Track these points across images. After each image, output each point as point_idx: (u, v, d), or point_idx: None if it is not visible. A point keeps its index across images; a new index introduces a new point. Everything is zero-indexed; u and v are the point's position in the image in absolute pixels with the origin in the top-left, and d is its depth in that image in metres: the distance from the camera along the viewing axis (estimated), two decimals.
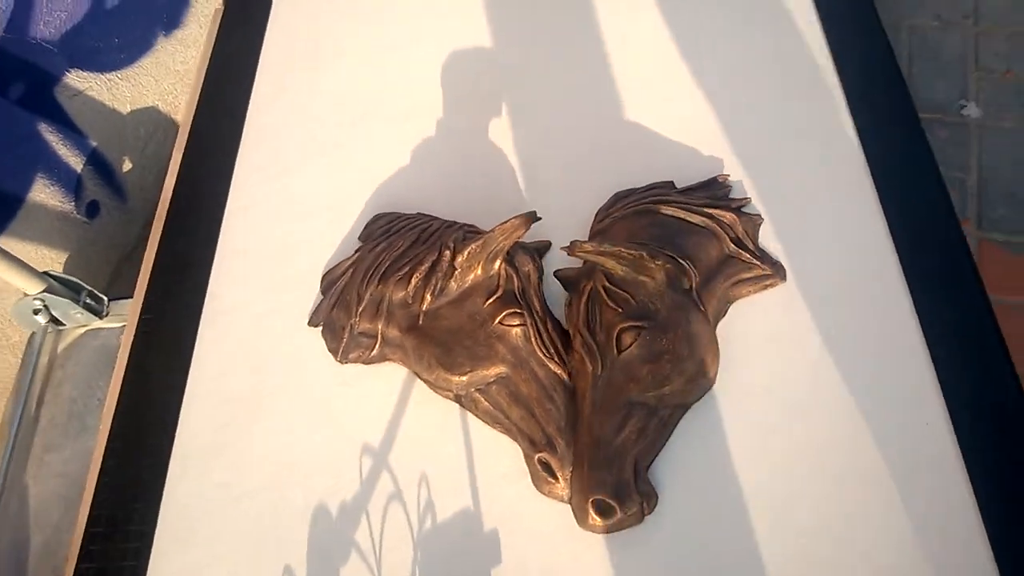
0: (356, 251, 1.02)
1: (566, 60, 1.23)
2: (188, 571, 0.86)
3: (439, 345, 0.89)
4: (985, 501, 0.80)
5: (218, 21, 1.38)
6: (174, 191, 1.17)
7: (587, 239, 1.00)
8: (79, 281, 1.18)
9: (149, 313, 1.05)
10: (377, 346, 0.94)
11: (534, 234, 0.93)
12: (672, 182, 1.05)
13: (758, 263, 0.96)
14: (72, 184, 1.37)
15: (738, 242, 0.96)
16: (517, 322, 0.88)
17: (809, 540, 0.80)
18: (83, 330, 1.21)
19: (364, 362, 0.95)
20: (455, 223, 0.99)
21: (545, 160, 1.12)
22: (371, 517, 0.86)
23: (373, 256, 0.98)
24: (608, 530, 0.81)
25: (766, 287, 0.96)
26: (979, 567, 0.78)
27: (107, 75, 1.43)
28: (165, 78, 1.57)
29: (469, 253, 0.89)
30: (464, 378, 0.88)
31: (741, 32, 1.22)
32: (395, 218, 1.04)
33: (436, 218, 1.02)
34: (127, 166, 1.51)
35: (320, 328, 0.99)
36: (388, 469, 0.88)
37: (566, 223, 1.01)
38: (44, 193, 1.31)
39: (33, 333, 1.20)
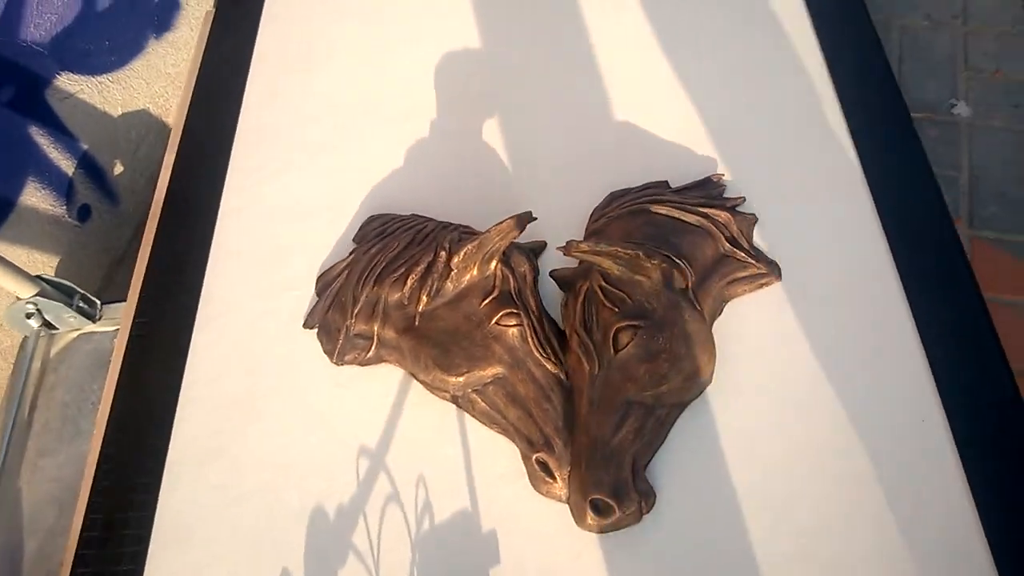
0: (351, 253, 1.02)
1: (561, 60, 1.23)
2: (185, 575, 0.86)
3: (436, 346, 0.89)
4: (982, 498, 0.81)
5: (209, 24, 1.38)
6: (167, 194, 1.16)
7: (582, 239, 1.00)
8: (72, 285, 1.18)
9: (143, 316, 1.05)
10: (373, 347, 0.94)
11: (529, 234, 0.93)
12: (667, 182, 1.05)
13: (753, 262, 0.96)
14: (63, 187, 1.36)
15: (733, 241, 0.97)
16: (514, 322, 0.88)
17: (808, 539, 0.80)
18: (76, 334, 1.20)
19: (360, 364, 0.95)
20: (450, 224, 0.99)
21: (540, 160, 1.12)
22: (369, 519, 0.85)
23: (368, 258, 0.97)
24: (606, 529, 0.81)
25: (761, 286, 0.96)
26: (977, 565, 0.78)
27: (98, 78, 1.42)
28: (156, 81, 1.56)
29: (465, 254, 0.89)
30: (461, 379, 0.87)
31: (734, 33, 1.22)
32: (390, 219, 1.04)
33: (431, 219, 1.02)
34: (118, 169, 1.50)
35: (316, 330, 0.99)
36: (385, 470, 0.88)
37: (561, 223, 1.01)
38: (35, 197, 1.30)
39: (25, 337, 1.19)
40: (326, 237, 1.07)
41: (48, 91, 1.32)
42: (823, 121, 1.11)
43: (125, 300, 1.08)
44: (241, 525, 0.87)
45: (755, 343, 0.92)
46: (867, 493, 0.82)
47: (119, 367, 1.01)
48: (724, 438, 0.87)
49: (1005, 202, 1.68)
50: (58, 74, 1.34)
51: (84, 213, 1.42)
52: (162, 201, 1.15)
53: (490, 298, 0.89)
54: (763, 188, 1.04)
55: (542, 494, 0.84)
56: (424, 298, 0.91)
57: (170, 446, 0.93)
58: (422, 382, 0.92)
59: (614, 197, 1.04)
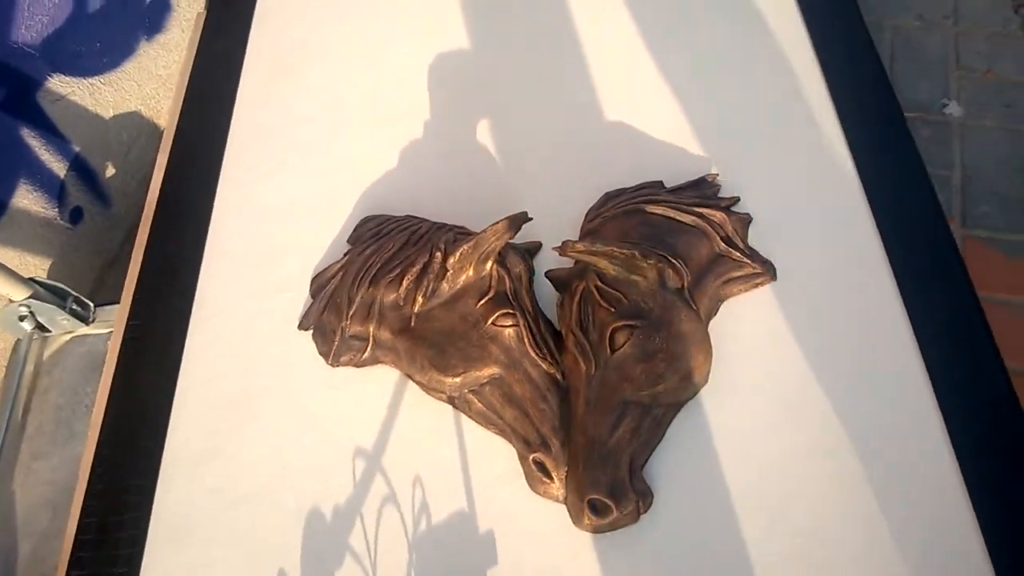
0: (345, 254, 1.02)
1: (555, 60, 1.23)
2: None
3: (432, 347, 0.89)
4: (977, 497, 0.81)
5: (201, 25, 1.37)
6: (160, 195, 1.16)
7: (578, 239, 1.00)
8: (65, 287, 1.17)
9: (137, 318, 1.04)
10: (369, 349, 0.94)
11: (525, 235, 0.93)
12: (661, 182, 1.05)
13: (748, 261, 0.96)
14: (55, 190, 1.35)
15: (728, 241, 0.97)
16: (510, 323, 0.88)
17: (804, 538, 0.80)
18: (69, 336, 1.20)
19: (356, 365, 0.95)
20: (445, 225, 0.99)
21: (535, 161, 1.12)
22: (365, 520, 0.85)
23: (363, 259, 0.97)
24: (604, 529, 0.81)
25: (756, 285, 0.96)
26: (973, 564, 0.78)
27: (89, 80, 1.41)
28: (148, 83, 1.55)
29: (461, 254, 0.89)
30: (457, 379, 0.87)
31: (728, 33, 1.23)
32: (384, 220, 1.04)
33: (426, 220, 1.01)
34: (110, 171, 1.49)
35: (311, 331, 0.98)
36: (382, 472, 0.88)
37: (557, 223, 1.02)
38: (27, 199, 1.30)
39: (19, 340, 1.19)
40: (320, 238, 1.07)
41: (39, 93, 1.32)
42: (817, 121, 1.11)
43: (118, 302, 1.08)
44: (237, 527, 0.87)
45: (750, 342, 0.93)
46: (863, 492, 0.82)
47: (113, 369, 1.01)
48: (720, 438, 0.87)
49: (997, 201, 1.69)
50: (49, 76, 1.33)
51: (76, 215, 1.42)
52: (155, 203, 1.15)
53: (486, 299, 0.89)
54: (757, 188, 1.04)
55: (539, 494, 0.84)
56: (420, 299, 0.90)
57: (164, 448, 0.93)
58: (418, 383, 0.92)
59: (609, 197, 1.04)
